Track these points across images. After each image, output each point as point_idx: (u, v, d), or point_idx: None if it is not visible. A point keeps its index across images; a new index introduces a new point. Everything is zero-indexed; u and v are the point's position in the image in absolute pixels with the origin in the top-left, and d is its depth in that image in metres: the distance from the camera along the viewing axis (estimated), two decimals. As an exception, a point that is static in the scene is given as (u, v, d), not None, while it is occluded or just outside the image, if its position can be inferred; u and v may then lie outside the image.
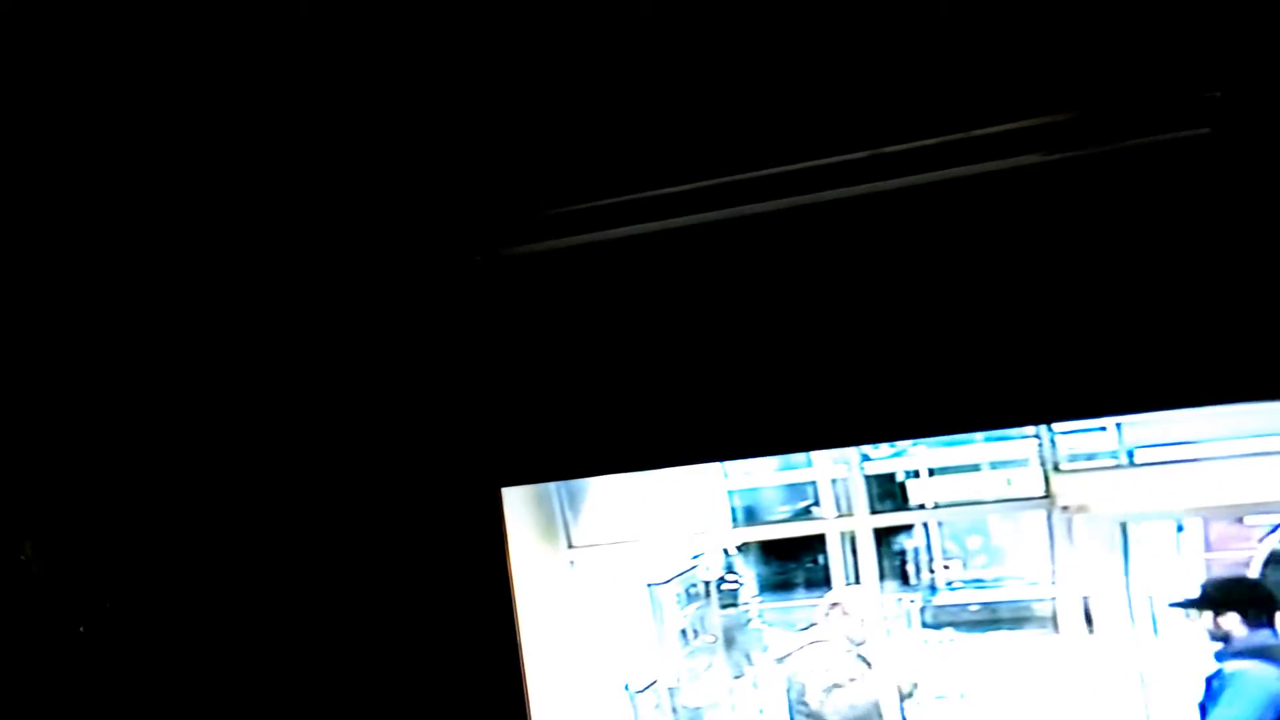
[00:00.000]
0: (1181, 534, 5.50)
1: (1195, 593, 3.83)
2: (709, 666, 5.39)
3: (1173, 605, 4.08)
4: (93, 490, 3.86)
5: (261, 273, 3.50)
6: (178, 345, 3.67)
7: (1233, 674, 3.58)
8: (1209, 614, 3.71)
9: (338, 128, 2.96)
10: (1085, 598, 4.56)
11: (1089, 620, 4.66)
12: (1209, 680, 3.65)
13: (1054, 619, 4.51)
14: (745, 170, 2.95)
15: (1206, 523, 5.73)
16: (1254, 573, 5.63)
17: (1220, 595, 3.75)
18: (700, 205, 3.04)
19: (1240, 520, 5.78)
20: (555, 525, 4.91)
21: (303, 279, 3.51)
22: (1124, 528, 4.52)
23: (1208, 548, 5.83)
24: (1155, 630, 4.45)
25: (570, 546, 4.94)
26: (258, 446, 3.72)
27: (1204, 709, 3.64)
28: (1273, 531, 5.71)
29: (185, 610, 3.78)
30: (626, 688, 5.04)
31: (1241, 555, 5.69)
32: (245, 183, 3.16)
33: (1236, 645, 3.63)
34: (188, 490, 3.77)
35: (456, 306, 3.49)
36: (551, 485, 4.79)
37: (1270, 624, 3.65)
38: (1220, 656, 3.67)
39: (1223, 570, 5.77)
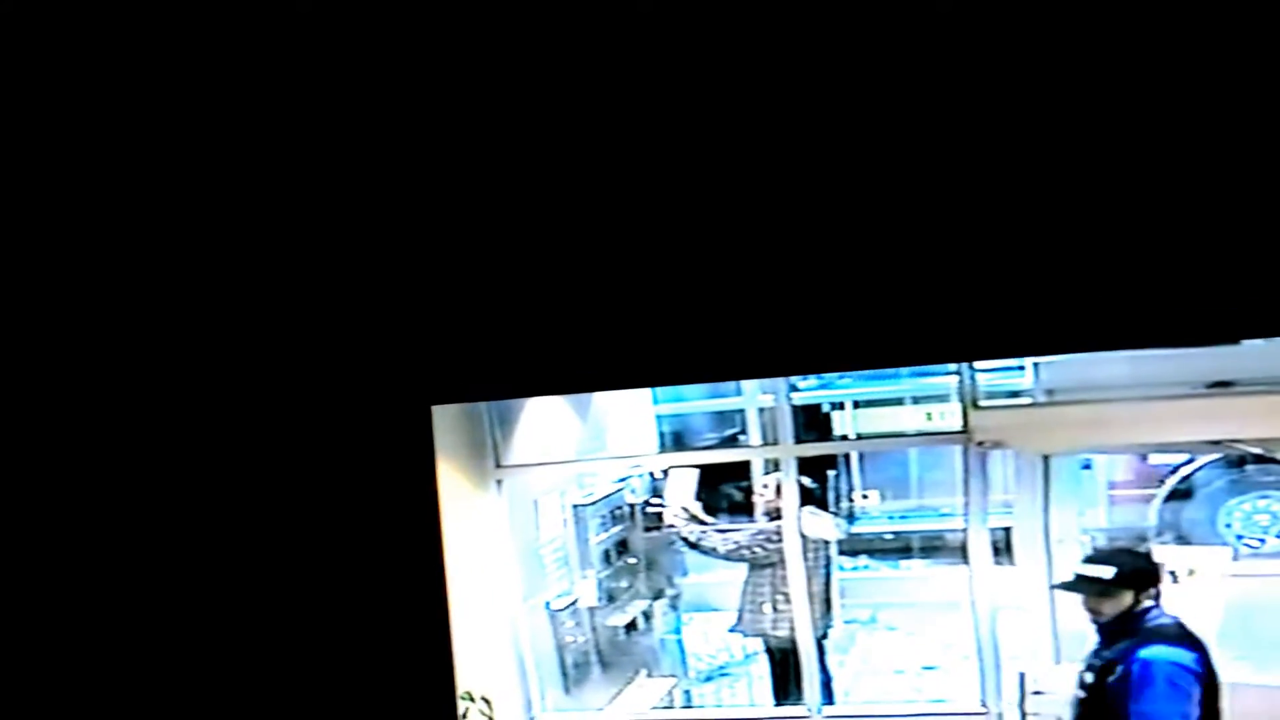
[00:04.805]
0: (1087, 471, 5.73)
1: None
2: (630, 587, 5.50)
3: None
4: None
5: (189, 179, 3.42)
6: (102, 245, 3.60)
7: (1148, 660, 3.35)
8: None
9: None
10: (996, 530, 4.72)
11: (999, 552, 4.83)
12: (1129, 666, 3.39)
13: (964, 550, 4.66)
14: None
15: (1113, 461, 5.97)
16: (1153, 511, 5.90)
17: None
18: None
19: (1145, 460, 6.05)
20: (484, 444, 4.96)
21: (226, 185, 3.43)
22: (1043, 464, 4.63)
23: (1111, 485, 6.11)
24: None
25: (498, 466, 4.99)
26: (176, 353, 3.66)
27: (1125, 695, 3.40)
28: (1172, 472, 6.00)
29: (109, 528, 3.75)
30: (548, 606, 5.16)
31: (1145, 493, 5.97)
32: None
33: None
34: (109, 405, 3.72)
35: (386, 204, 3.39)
36: (482, 404, 4.81)
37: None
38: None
39: (1126, 506, 6.05)
